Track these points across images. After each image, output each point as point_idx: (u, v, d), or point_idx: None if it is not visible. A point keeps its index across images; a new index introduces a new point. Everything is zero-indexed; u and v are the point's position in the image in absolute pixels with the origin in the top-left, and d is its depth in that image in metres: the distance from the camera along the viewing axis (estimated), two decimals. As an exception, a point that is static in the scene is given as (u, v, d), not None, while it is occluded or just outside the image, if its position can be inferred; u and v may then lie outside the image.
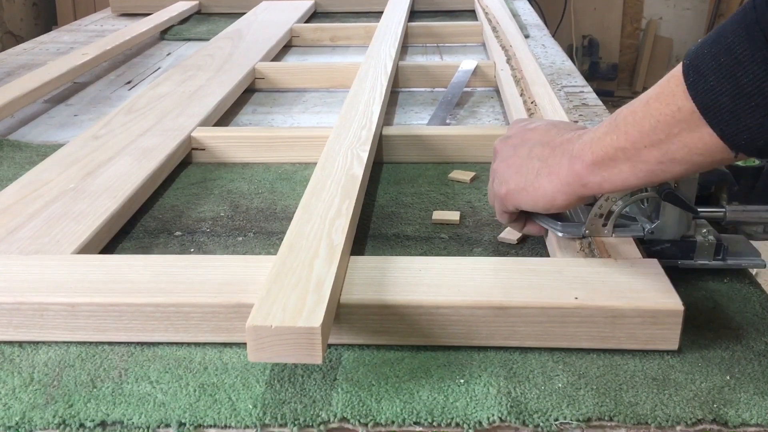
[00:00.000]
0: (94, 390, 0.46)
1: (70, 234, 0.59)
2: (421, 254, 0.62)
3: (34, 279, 0.51)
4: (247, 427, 0.43)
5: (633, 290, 0.49)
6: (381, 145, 0.81)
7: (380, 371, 0.47)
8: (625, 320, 0.47)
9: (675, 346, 0.48)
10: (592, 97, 1.11)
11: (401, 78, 1.12)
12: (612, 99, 3.68)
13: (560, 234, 0.56)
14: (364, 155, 0.70)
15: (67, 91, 1.13)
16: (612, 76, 3.80)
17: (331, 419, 0.43)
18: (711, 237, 0.55)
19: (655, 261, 0.52)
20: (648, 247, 0.55)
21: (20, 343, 0.50)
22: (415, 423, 0.43)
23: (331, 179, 0.64)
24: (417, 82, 1.13)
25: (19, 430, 0.43)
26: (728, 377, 0.46)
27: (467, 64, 1.13)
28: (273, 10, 1.57)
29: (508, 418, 0.43)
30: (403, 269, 0.52)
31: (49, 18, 3.40)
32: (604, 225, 0.55)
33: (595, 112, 1.04)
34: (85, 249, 0.58)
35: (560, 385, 0.46)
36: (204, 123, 0.87)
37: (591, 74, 3.69)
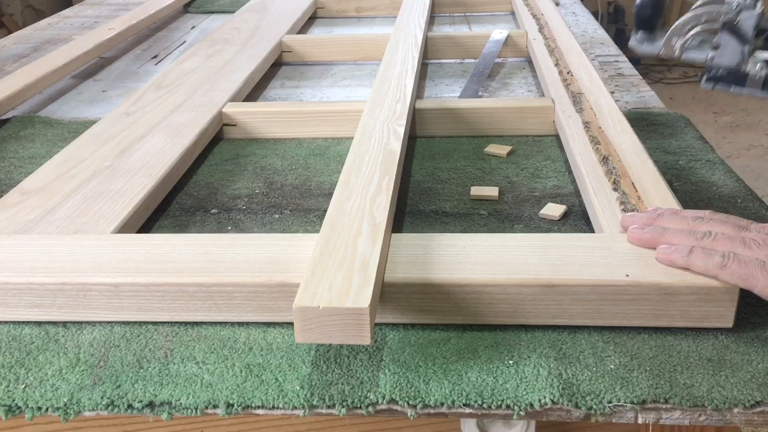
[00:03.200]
0: (141, 370, 0.45)
1: (108, 213, 0.58)
2: (460, 231, 0.61)
3: (77, 259, 0.50)
4: (295, 408, 0.43)
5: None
6: (414, 119, 0.80)
7: (427, 352, 0.46)
8: (678, 297, 0.46)
9: (730, 324, 0.47)
10: (627, 66, 1.08)
11: (430, 49, 1.10)
12: (638, 67, 3.60)
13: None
14: (401, 130, 0.68)
15: (94, 66, 1.13)
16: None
17: (380, 401, 0.43)
18: (763, 71, 0.57)
19: (707, 238, 0.50)
20: (708, 72, 0.58)
21: (64, 324, 0.50)
22: (464, 405, 0.42)
23: (369, 155, 0.63)
24: (446, 54, 1.11)
25: (68, 411, 0.43)
26: (786, 357, 0.45)
27: (498, 34, 1.10)
28: (297, -19, 1.54)
29: (561, 400, 0.42)
30: (447, 246, 0.51)
31: (68, -8, 3.39)
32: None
33: (632, 82, 1.01)
34: (124, 228, 0.57)
35: (612, 366, 0.45)
36: (234, 98, 0.86)
37: (616, 42, 3.61)
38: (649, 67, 3.65)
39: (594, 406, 0.42)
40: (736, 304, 0.46)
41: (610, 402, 0.42)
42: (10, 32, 3.07)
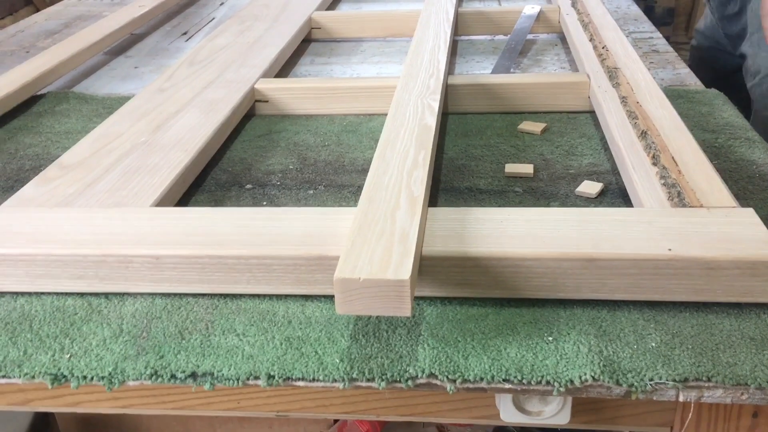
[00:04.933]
0: (183, 342, 0.46)
1: (147, 187, 0.59)
2: (496, 207, 0.60)
3: (118, 232, 0.51)
4: (335, 380, 0.43)
5: (729, 240, 0.46)
6: (446, 95, 0.79)
7: (465, 327, 0.46)
8: (721, 272, 0.46)
9: (774, 300, 0.46)
10: (662, 43, 1.06)
11: (461, 25, 1.09)
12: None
13: None
14: (435, 104, 0.68)
15: (125, 42, 1.13)
16: (668, 21, 3.64)
17: (419, 375, 0.43)
18: None
19: (751, 210, 0.50)
20: None
21: (106, 295, 0.51)
22: (504, 380, 0.42)
23: (405, 129, 0.62)
24: (477, 30, 1.09)
25: (113, 380, 0.44)
26: (832, 336, 0.44)
27: (530, 9, 1.09)
28: (324, -43, 1.53)
29: (602, 377, 0.42)
30: (484, 221, 0.50)
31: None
32: None
33: (667, 59, 0.99)
34: (162, 201, 0.58)
35: (654, 344, 0.44)
36: (265, 74, 0.86)
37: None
38: (678, 45, 3.57)
39: (636, 383, 0.42)
40: (780, 281, 0.46)
41: (651, 379, 0.42)
42: (37, 9, 3.09)
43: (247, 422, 1.04)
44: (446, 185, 0.65)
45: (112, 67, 1.03)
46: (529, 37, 1.07)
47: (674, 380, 0.42)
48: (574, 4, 1.06)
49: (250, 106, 0.82)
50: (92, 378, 0.44)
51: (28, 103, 0.86)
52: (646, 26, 1.15)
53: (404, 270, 0.42)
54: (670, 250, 0.46)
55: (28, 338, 0.47)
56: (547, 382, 0.42)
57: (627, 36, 1.09)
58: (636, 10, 1.24)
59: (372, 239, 0.45)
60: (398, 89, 0.72)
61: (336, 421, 1.05)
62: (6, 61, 1.06)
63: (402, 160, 0.56)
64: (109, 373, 0.44)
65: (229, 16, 1.25)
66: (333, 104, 0.81)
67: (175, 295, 0.50)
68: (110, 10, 1.32)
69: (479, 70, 0.96)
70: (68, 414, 1.06)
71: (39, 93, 0.89)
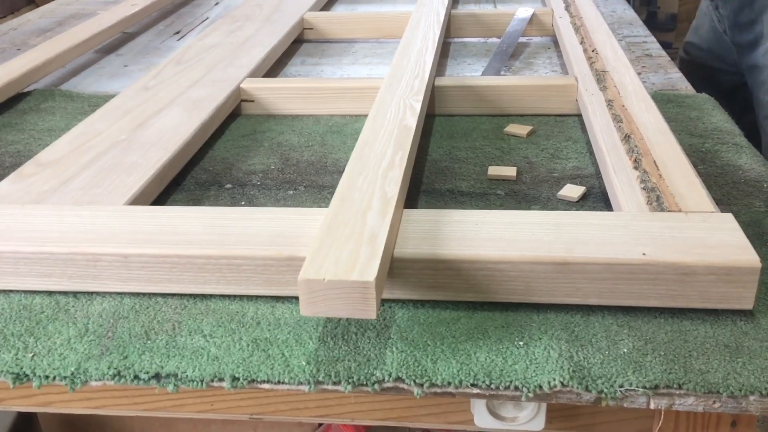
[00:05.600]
0: (148, 342, 0.45)
1: (122, 185, 0.58)
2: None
3: (87, 230, 0.50)
4: (300, 383, 0.42)
5: (706, 246, 0.46)
6: (433, 97, 0.79)
7: (436, 331, 0.46)
8: (697, 278, 0.45)
9: (750, 305, 0.46)
10: (655, 47, 1.05)
11: (453, 28, 1.08)
12: (670, 51, 3.52)
13: None
14: (417, 105, 0.67)
15: (117, 41, 1.13)
16: (670, 27, 3.63)
17: (386, 378, 0.42)
18: None
19: (729, 215, 0.49)
20: None
21: (75, 294, 0.50)
22: (472, 385, 0.42)
23: (384, 130, 0.62)
24: (470, 32, 1.09)
25: (75, 380, 0.43)
26: (808, 344, 0.44)
27: (523, 12, 1.08)
28: (321, -41, 1.53)
29: (570, 383, 0.41)
30: (459, 222, 0.50)
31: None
32: None
33: (659, 63, 0.98)
34: (137, 200, 0.57)
35: (625, 350, 0.43)
36: (253, 74, 0.85)
37: (648, 25, 3.53)
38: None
39: (605, 390, 0.41)
40: (756, 286, 0.45)
41: (621, 386, 0.41)
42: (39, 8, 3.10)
43: (230, 424, 1.03)
44: (427, 187, 0.64)
45: (101, 65, 1.03)
46: (523, 40, 1.06)
47: (644, 387, 0.41)
48: (567, 8, 1.05)
49: (235, 106, 0.81)
50: (54, 378, 0.43)
51: (13, 101, 0.86)
52: (640, 30, 1.14)
53: (370, 271, 0.41)
54: (644, 254, 0.45)
55: (-8, 336, 0.46)
56: (516, 387, 0.41)
57: (621, 40, 1.09)
58: (631, 14, 1.23)
59: (341, 240, 0.45)
60: (381, 90, 0.72)
61: (321, 424, 1.05)
62: (-4, 59, 1.06)
63: (378, 160, 0.56)
64: (72, 373, 0.43)
65: (223, 16, 1.25)
66: (319, 104, 0.81)
67: (144, 294, 0.50)
68: (104, 9, 1.32)
69: (470, 73, 0.95)
70: (50, 414, 1.06)
71: (25, 90, 0.89)
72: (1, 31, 1.19)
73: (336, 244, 0.44)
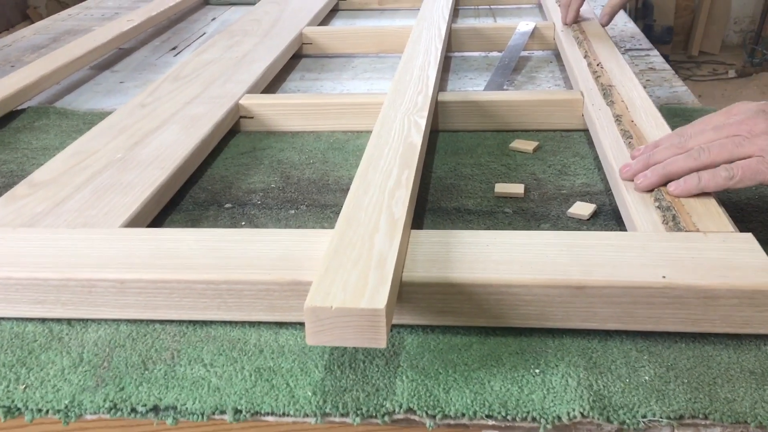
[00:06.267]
0: (146, 372, 0.43)
1: (118, 206, 0.56)
2: (484, 229, 0.58)
3: (82, 254, 0.48)
4: (306, 415, 0.40)
5: (727, 267, 0.44)
6: (437, 112, 0.77)
7: (447, 358, 0.44)
8: (719, 301, 0.43)
9: (774, 331, 0.44)
10: (659, 60, 1.04)
11: (454, 42, 1.07)
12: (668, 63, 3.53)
13: None
14: (422, 122, 0.65)
15: (112, 57, 1.11)
16: (667, 40, 3.64)
17: (397, 410, 0.40)
18: None
19: (749, 235, 0.47)
20: None
21: (69, 321, 0.48)
22: (487, 416, 0.39)
23: (389, 147, 0.60)
24: (471, 46, 1.07)
25: (69, 413, 0.41)
26: (837, 370, 0.42)
27: (524, 25, 1.07)
28: (319, -27, 1.52)
29: (591, 413, 0.39)
30: (469, 244, 0.48)
31: (93, -14, 3.41)
32: None
33: (663, 77, 0.97)
34: (134, 221, 0.55)
35: (647, 377, 0.41)
36: (252, 90, 0.84)
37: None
38: (677, 64, 3.57)
39: (627, 421, 0.39)
40: (782, 311, 0.43)
41: (644, 416, 0.39)
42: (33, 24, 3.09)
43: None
44: (433, 205, 0.63)
45: (97, 81, 1.01)
46: (524, 53, 1.05)
47: (668, 417, 0.39)
48: (569, 21, 1.04)
49: (234, 122, 0.79)
50: (47, 411, 0.41)
51: (6, 119, 0.84)
52: (643, 43, 1.13)
53: (380, 298, 0.39)
54: (664, 277, 0.43)
55: (-18, 367, 0.44)
56: (533, 419, 0.39)
57: (624, 53, 1.07)
58: (633, 28, 1.22)
59: (347, 264, 0.43)
60: (385, 106, 0.70)
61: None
62: (-10, 76, 1.04)
63: (384, 179, 0.54)
64: (66, 406, 0.41)
65: (220, 31, 1.23)
66: (320, 121, 0.79)
67: (141, 321, 0.47)
68: (100, 25, 1.30)
69: (472, 87, 0.94)
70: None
71: (19, 108, 0.87)
72: (-6, 48, 1.18)
73: (343, 268, 0.42)
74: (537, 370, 0.42)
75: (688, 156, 0.53)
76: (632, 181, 0.56)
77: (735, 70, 3.49)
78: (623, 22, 1.25)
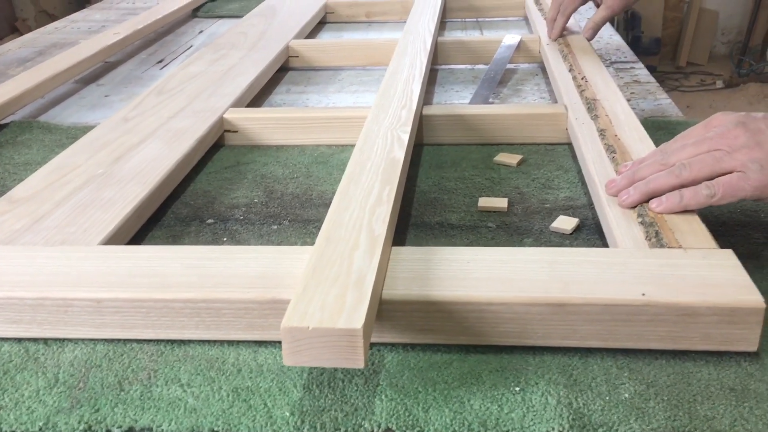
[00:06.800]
0: (122, 393, 0.43)
1: (97, 222, 0.56)
2: (467, 245, 0.58)
3: (59, 272, 0.48)
4: (283, 436, 0.40)
5: (707, 285, 0.44)
6: (421, 126, 0.77)
7: (427, 376, 0.43)
8: (699, 319, 0.43)
9: (755, 347, 0.44)
10: (643, 73, 1.04)
11: (440, 54, 1.07)
12: (655, 74, 3.56)
13: None
14: (405, 137, 0.65)
15: (98, 70, 1.11)
16: (655, 51, 3.67)
17: (375, 430, 0.40)
18: None
19: (730, 252, 0.47)
20: None
21: (45, 341, 0.47)
22: (466, 435, 0.39)
23: (371, 162, 0.60)
24: (457, 59, 1.08)
25: (43, 435, 0.40)
26: (817, 387, 0.42)
27: (510, 38, 1.07)
28: (307, -14, 1.52)
29: None
30: (450, 261, 0.47)
31: (83, -3, 3.40)
32: None
33: (648, 89, 0.97)
34: (114, 238, 0.55)
35: (627, 395, 0.41)
36: (237, 104, 0.83)
37: (632, 49, 3.56)
38: (665, 75, 3.59)
39: (607, 439, 0.38)
40: (761, 327, 0.43)
41: (624, 434, 0.39)
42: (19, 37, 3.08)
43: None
44: (416, 220, 0.62)
45: (82, 95, 1.00)
46: (510, 66, 1.05)
47: (648, 437, 0.39)
48: (554, 34, 1.04)
49: (218, 136, 0.79)
50: (21, 433, 0.40)
51: (-11, 133, 0.84)
52: (628, 56, 1.14)
53: (357, 318, 0.39)
54: (643, 294, 0.43)
55: (-45, 389, 0.43)
56: (513, 439, 0.39)
57: (609, 66, 1.08)
58: (618, 40, 1.23)
59: (326, 283, 0.42)
60: (368, 120, 0.70)
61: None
62: (-27, 89, 1.03)
63: (365, 195, 0.53)
64: (40, 428, 0.41)
65: (207, 45, 1.23)
66: (304, 135, 0.79)
67: (118, 340, 0.47)
68: (86, 38, 1.30)
69: (458, 100, 0.94)
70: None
71: (2, 122, 0.87)
72: (-21, 61, 1.17)
73: (321, 287, 0.42)
74: (517, 388, 0.42)
75: (669, 173, 0.53)
76: (617, 197, 0.56)
77: (722, 81, 3.52)
78: (609, 35, 1.25)
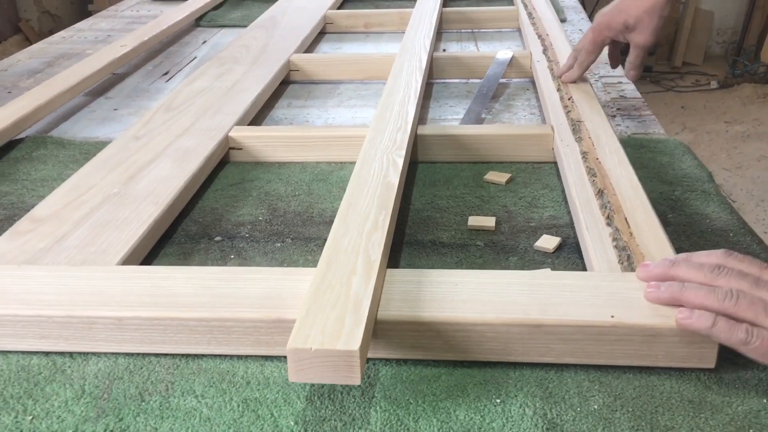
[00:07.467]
0: (143, 403, 0.47)
1: (115, 242, 0.60)
2: (456, 262, 0.62)
3: (83, 292, 0.52)
4: (288, 444, 0.45)
5: (671, 308, 0.48)
6: (416, 145, 0.82)
7: (417, 389, 0.48)
8: (662, 339, 0.48)
9: (712, 365, 0.48)
10: (630, 88, 1.09)
11: (436, 69, 1.11)
12: (650, 74, 3.60)
13: None
14: (400, 161, 0.70)
15: (106, 83, 1.15)
16: (650, 51, 3.71)
17: (370, 438, 0.44)
18: None
19: (693, 279, 0.52)
20: None
21: (71, 354, 0.52)
22: (451, 443, 0.44)
23: (368, 187, 0.64)
24: (452, 74, 1.12)
25: (73, 442, 0.45)
26: (765, 400, 0.46)
27: (502, 54, 1.12)
28: (307, -5, 1.56)
29: (544, 440, 0.44)
30: (440, 283, 0.52)
31: (84, -3, 3.44)
32: None
33: (633, 105, 1.02)
34: (131, 257, 0.59)
35: (596, 406, 0.46)
36: (241, 121, 0.88)
37: (623, 63, 3.61)
38: (661, 75, 3.64)
39: (576, 448, 0.43)
40: (717, 347, 0.48)
41: (591, 443, 0.43)
42: (27, 38, 3.12)
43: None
44: (410, 238, 0.67)
45: (91, 108, 1.05)
46: (503, 80, 1.09)
47: (613, 445, 0.43)
48: (545, 51, 1.09)
49: (224, 154, 0.83)
50: (53, 440, 0.45)
51: (5, 148, 0.88)
52: (617, 71, 1.18)
53: (354, 340, 0.43)
54: (612, 317, 0.48)
55: (-8, 399, 0.48)
56: (493, 447, 0.44)
57: (597, 80, 1.13)
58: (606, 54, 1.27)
59: (327, 307, 0.47)
60: (365, 143, 0.75)
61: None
62: (-13, 102, 1.08)
63: (362, 221, 0.58)
64: (70, 436, 0.45)
65: (210, 56, 1.27)
66: (305, 152, 0.83)
67: (137, 354, 0.52)
68: (93, 48, 1.34)
69: (452, 115, 0.99)
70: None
71: (18, 137, 0.91)
72: (-9, 72, 1.21)
73: (322, 311, 0.46)
74: (498, 400, 0.47)
75: (711, 292, 0.47)
76: (646, 281, 0.51)
77: (717, 81, 3.56)
78: (599, 48, 1.29)
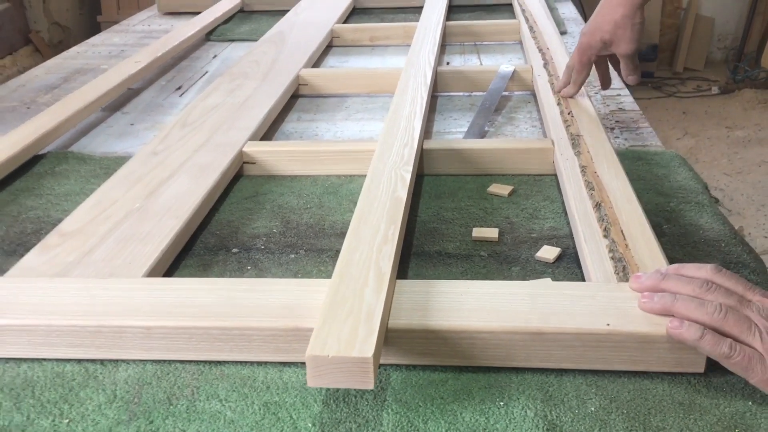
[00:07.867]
0: (171, 407, 0.51)
1: (139, 255, 0.64)
2: (461, 272, 0.66)
3: (113, 303, 0.56)
4: (307, 444, 0.48)
5: (663, 317, 0.52)
6: (422, 158, 0.85)
7: (426, 392, 0.52)
8: (655, 345, 0.51)
9: (701, 369, 0.52)
10: (629, 101, 1.12)
11: (440, 83, 1.15)
12: (652, 80, 3.64)
13: None
14: (408, 176, 0.73)
15: (122, 98, 1.19)
16: (652, 57, 3.75)
17: (383, 438, 0.48)
18: None
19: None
20: None
21: (102, 361, 0.56)
22: (458, 443, 0.47)
23: (378, 202, 0.68)
24: (455, 87, 1.16)
25: (107, 443, 0.49)
26: (750, 402, 0.50)
27: (504, 68, 1.15)
28: (313, 9, 1.60)
29: (544, 440, 0.47)
30: (446, 293, 0.56)
31: (93, 8, 3.49)
32: None
33: (632, 117, 1.05)
34: (154, 270, 0.63)
35: (593, 408, 0.50)
36: (253, 136, 0.91)
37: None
38: (662, 80, 3.68)
39: (574, 447, 0.47)
40: (707, 353, 0.51)
41: (588, 443, 0.47)
42: (37, 49, 3.17)
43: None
44: (417, 249, 0.71)
45: (108, 124, 1.09)
46: (505, 93, 1.13)
47: (609, 445, 0.47)
48: (546, 65, 1.12)
49: (238, 168, 0.87)
50: (88, 442, 0.49)
51: (29, 163, 0.92)
52: (616, 82, 1.21)
53: (368, 348, 0.47)
54: (608, 325, 0.51)
55: (30, 403, 0.52)
56: (497, 446, 0.47)
57: (595, 93, 1.16)
58: (607, 66, 1.31)
59: (341, 317, 0.51)
60: (374, 159, 0.78)
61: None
62: (7, 117, 1.12)
63: (373, 234, 0.62)
64: (104, 438, 0.49)
65: (221, 70, 1.31)
66: (316, 166, 0.87)
67: (164, 361, 0.55)
68: (108, 63, 1.38)
69: (456, 128, 1.02)
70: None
71: (40, 153, 0.95)
72: (9, 89, 1.25)
73: (337, 321, 0.50)
74: (501, 403, 0.50)
75: (701, 306, 0.50)
76: (638, 291, 0.55)
77: (718, 87, 3.59)
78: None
